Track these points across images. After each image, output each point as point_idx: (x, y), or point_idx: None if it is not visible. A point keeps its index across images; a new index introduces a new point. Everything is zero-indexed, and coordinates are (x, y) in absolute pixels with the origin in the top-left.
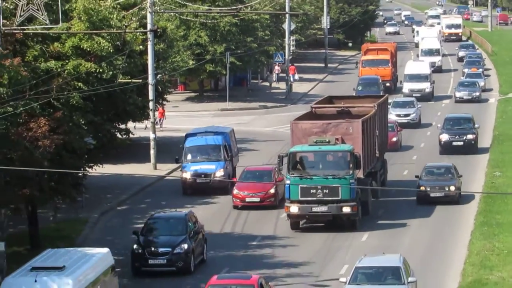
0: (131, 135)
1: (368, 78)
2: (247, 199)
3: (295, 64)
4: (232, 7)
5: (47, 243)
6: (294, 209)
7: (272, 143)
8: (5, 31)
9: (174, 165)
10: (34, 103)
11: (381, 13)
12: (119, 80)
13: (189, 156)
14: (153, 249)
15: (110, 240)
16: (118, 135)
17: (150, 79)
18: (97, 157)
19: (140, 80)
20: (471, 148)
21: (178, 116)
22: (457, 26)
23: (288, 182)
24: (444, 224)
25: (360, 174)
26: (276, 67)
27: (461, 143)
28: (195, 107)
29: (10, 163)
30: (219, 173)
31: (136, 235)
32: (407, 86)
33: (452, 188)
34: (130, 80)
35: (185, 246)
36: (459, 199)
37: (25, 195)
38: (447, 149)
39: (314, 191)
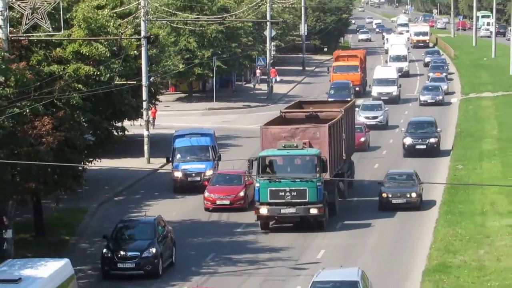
0: (126, 133)
1: (340, 83)
2: (218, 202)
3: (276, 67)
4: (218, 16)
5: (51, 230)
6: (264, 210)
7: (254, 139)
8: (12, 38)
9: (163, 158)
10: (38, 103)
11: (353, 21)
12: (116, 82)
13: (179, 156)
14: (122, 253)
15: (107, 227)
16: (115, 132)
17: (144, 81)
18: (95, 152)
19: (135, 82)
20: (433, 151)
21: (169, 115)
22: (425, 34)
23: (257, 185)
24: (408, 221)
25: (327, 176)
26: (258, 71)
27: (424, 146)
28: (185, 106)
29: (16, 158)
30: (209, 172)
31: (106, 239)
32: (375, 90)
33: (414, 194)
34: (125, 82)
35: (153, 250)
36: (420, 205)
37: (30, 187)
38: (410, 152)
39: (283, 193)
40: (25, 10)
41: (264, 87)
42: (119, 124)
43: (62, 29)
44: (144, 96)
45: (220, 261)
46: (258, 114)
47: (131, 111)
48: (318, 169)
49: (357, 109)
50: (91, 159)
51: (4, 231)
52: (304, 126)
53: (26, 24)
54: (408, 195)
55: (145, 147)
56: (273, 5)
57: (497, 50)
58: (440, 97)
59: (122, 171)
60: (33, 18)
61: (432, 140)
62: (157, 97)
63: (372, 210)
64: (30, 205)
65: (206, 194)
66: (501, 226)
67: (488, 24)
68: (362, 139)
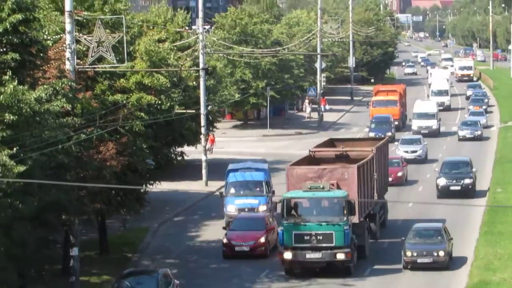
0: (185, 157)
1: (381, 117)
2: (237, 249)
3: (325, 97)
4: (272, 49)
5: (114, 248)
6: (288, 255)
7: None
8: (79, 69)
9: (222, 182)
10: (103, 130)
11: (397, 54)
12: (176, 111)
13: (232, 190)
14: None
15: (168, 246)
16: (174, 157)
17: (202, 110)
18: (156, 176)
19: (194, 111)
20: (468, 193)
21: (226, 141)
22: (469, 68)
23: (281, 228)
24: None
25: (355, 219)
26: (306, 100)
27: (459, 187)
28: (240, 133)
29: (83, 181)
30: (262, 208)
31: None
32: (415, 124)
33: (442, 253)
34: (185, 111)
35: None
36: (449, 264)
37: (95, 208)
38: (444, 193)
39: (308, 237)
40: (91, 44)
41: (314, 115)
42: (179, 149)
43: (126, 61)
44: (203, 123)
45: None
46: (309, 140)
47: (191, 137)
48: (345, 212)
49: (396, 143)
50: (152, 182)
51: (71, 249)
52: (331, 167)
53: (92, 57)
54: (435, 254)
55: (203, 171)
56: (323, 39)
57: None
58: (479, 132)
59: (181, 194)
60: (99, 51)
61: (467, 181)
62: (215, 124)
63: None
64: (95, 224)
65: (225, 240)
66: None
67: None
68: (400, 173)
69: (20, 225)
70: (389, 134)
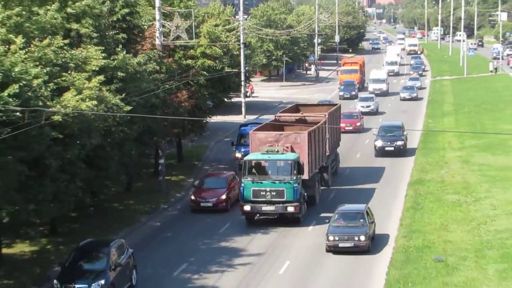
0: (232, 100)
1: (348, 81)
2: (202, 204)
3: (320, 61)
4: (286, 30)
5: (186, 158)
6: (247, 207)
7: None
8: (164, 44)
9: (255, 116)
10: (179, 82)
11: (366, 34)
12: (226, 70)
13: (242, 141)
14: (69, 285)
15: (219, 157)
16: (225, 100)
17: (242, 69)
18: (213, 112)
19: (237, 70)
20: (400, 152)
21: (257, 89)
22: (415, 45)
23: (242, 184)
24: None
25: (305, 176)
26: (306, 64)
27: (392, 148)
28: (266, 84)
29: (166, 115)
30: None
31: (60, 267)
32: (371, 86)
33: (363, 238)
34: (231, 70)
35: (102, 281)
36: (370, 247)
37: (174, 132)
38: (380, 153)
39: (264, 193)
40: (171, 27)
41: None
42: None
43: (194, 38)
44: (242, 78)
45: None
46: (309, 89)
47: (235, 87)
48: (295, 172)
49: (355, 100)
50: (210, 116)
51: (159, 159)
52: (287, 133)
53: (172, 36)
54: (357, 238)
55: (243, 109)
56: (319, 24)
57: (453, 50)
58: (415, 94)
59: (229, 123)
60: (177, 32)
61: (399, 142)
62: (250, 79)
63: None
64: (174, 143)
65: (192, 197)
66: (454, 156)
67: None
68: (358, 123)
69: (128, 144)
70: (353, 93)
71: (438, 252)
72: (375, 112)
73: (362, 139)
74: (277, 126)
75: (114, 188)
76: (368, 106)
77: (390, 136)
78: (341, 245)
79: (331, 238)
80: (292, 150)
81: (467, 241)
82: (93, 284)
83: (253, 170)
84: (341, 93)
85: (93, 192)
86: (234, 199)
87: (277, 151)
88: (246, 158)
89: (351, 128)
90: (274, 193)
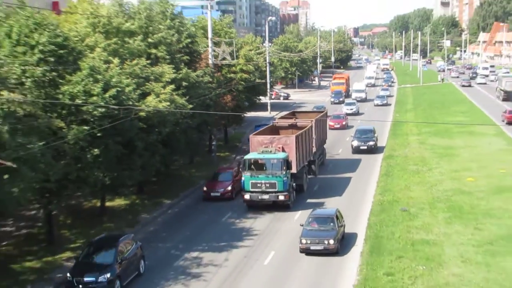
0: (260, 100)
1: (337, 91)
2: (212, 194)
3: (321, 74)
4: (298, 53)
5: (231, 141)
6: (247, 196)
7: (313, 103)
8: (214, 62)
9: (276, 112)
10: (225, 89)
11: (352, 56)
12: (257, 81)
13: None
14: (79, 278)
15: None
16: (256, 100)
17: (268, 80)
18: (248, 109)
19: (264, 81)
20: (372, 150)
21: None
22: (387, 64)
23: (243, 178)
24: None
25: (294, 170)
26: (312, 76)
27: (366, 147)
28: (285, 90)
29: (215, 114)
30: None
31: (75, 261)
32: (353, 94)
33: (332, 241)
34: (261, 81)
35: (108, 275)
36: (339, 249)
37: (223, 124)
38: (356, 151)
39: (260, 185)
40: (219, 52)
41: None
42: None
43: (235, 59)
44: (268, 86)
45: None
46: (314, 93)
47: (263, 92)
48: (284, 168)
49: (342, 104)
50: (246, 112)
51: (212, 141)
52: (279, 136)
53: (220, 57)
54: (326, 242)
55: (268, 107)
56: (320, 49)
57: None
58: (385, 101)
59: (259, 117)
60: (223, 55)
61: (371, 143)
62: (273, 86)
63: (330, 190)
64: (222, 130)
65: (204, 188)
66: (414, 139)
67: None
68: (343, 122)
69: (190, 131)
70: (341, 99)
71: (403, 205)
72: (356, 113)
73: (345, 137)
74: (274, 129)
75: (181, 161)
76: (351, 109)
77: (364, 138)
78: (312, 247)
79: (303, 241)
80: (283, 150)
81: (423, 197)
82: (100, 277)
83: (252, 167)
84: (332, 99)
85: (167, 164)
86: (238, 189)
87: (271, 151)
88: (245, 157)
89: (338, 126)
90: (268, 185)
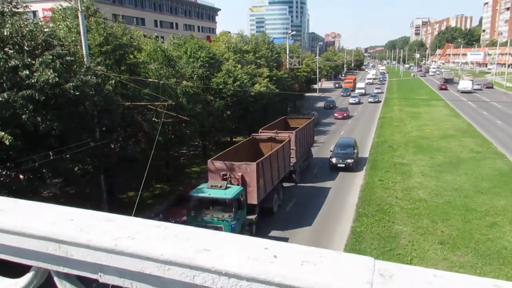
0: (314, 87)
1: (346, 88)
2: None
3: (347, 73)
4: (335, 61)
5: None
6: None
7: (339, 89)
8: (289, 67)
9: (324, 93)
10: (294, 81)
11: (365, 63)
12: (312, 76)
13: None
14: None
15: (311, 110)
16: (312, 87)
17: (317, 75)
18: (306, 91)
19: (315, 76)
20: (349, 168)
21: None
22: (384, 69)
23: (184, 219)
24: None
25: (254, 201)
26: (342, 74)
27: (343, 165)
28: (327, 82)
29: (291, 92)
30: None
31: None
32: (356, 90)
33: (350, 160)
34: (313, 76)
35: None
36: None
37: (293, 99)
38: (334, 168)
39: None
40: (292, 61)
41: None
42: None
43: (300, 64)
44: (317, 79)
45: None
46: (342, 83)
47: (315, 82)
48: (233, 210)
49: (348, 97)
50: (305, 93)
51: (288, 109)
52: (238, 163)
53: (293, 64)
54: (348, 160)
55: (317, 92)
56: (346, 59)
57: (397, 69)
58: (377, 99)
59: (313, 96)
60: (294, 63)
61: (349, 160)
62: (321, 79)
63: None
64: (293, 102)
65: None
66: (397, 108)
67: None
68: (345, 114)
69: (276, 103)
70: (348, 93)
71: (389, 143)
72: (358, 103)
73: (345, 124)
74: (254, 143)
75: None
76: (354, 100)
77: (343, 154)
78: (338, 165)
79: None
80: (243, 179)
81: (401, 139)
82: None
83: (198, 205)
84: (342, 94)
85: (265, 122)
86: None
87: (220, 186)
88: (191, 193)
89: (341, 117)
90: (213, 229)
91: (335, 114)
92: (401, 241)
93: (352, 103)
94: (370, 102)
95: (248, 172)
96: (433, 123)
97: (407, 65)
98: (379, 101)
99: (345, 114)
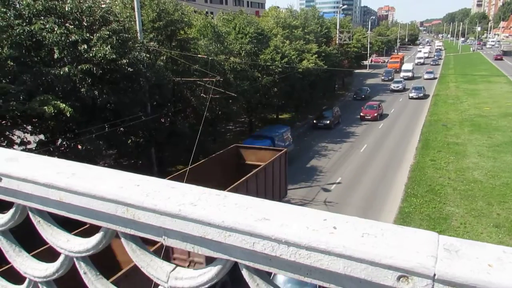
0: (365, 63)
1: (388, 70)
2: None
3: (400, 49)
4: (387, 36)
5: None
6: None
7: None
8: (339, 42)
9: (372, 69)
10: (345, 57)
11: (419, 38)
12: (362, 52)
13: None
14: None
15: (357, 85)
16: (362, 63)
17: (368, 51)
18: (356, 68)
19: (366, 52)
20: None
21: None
22: (440, 45)
23: None
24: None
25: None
26: (396, 50)
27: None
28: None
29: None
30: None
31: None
32: (402, 74)
33: (423, 93)
34: (363, 52)
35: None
36: (425, 97)
37: (342, 76)
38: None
39: None
40: (342, 36)
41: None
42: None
43: (351, 40)
44: (368, 55)
45: None
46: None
47: (366, 58)
48: None
49: (390, 82)
50: (355, 70)
51: (335, 86)
52: None
53: (343, 40)
54: (420, 93)
55: (367, 68)
56: (399, 34)
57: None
58: (422, 94)
59: (363, 73)
60: (345, 38)
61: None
62: (372, 55)
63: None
64: (342, 79)
65: None
66: (453, 85)
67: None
68: (375, 114)
69: (325, 79)
70: (390, 77)
71: (443, 122)
72: (402, 90)
73: (373, 130)
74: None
75: (321, 94)
76: (398, 87)
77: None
78: (414, 97)
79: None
80: None
81: (456, 118)
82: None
83: None
84: (383, 78)
85: (312, 97)
86: None
87: None
88: None
89: (369, 117)
90: None
91: (362, 113)
92: (452, 223)
93: (394, 90)
94: (412, 98)
95: None
96: (492, 101)
97: (463, 39)
98: (424, 97)
99: (375, 114)
